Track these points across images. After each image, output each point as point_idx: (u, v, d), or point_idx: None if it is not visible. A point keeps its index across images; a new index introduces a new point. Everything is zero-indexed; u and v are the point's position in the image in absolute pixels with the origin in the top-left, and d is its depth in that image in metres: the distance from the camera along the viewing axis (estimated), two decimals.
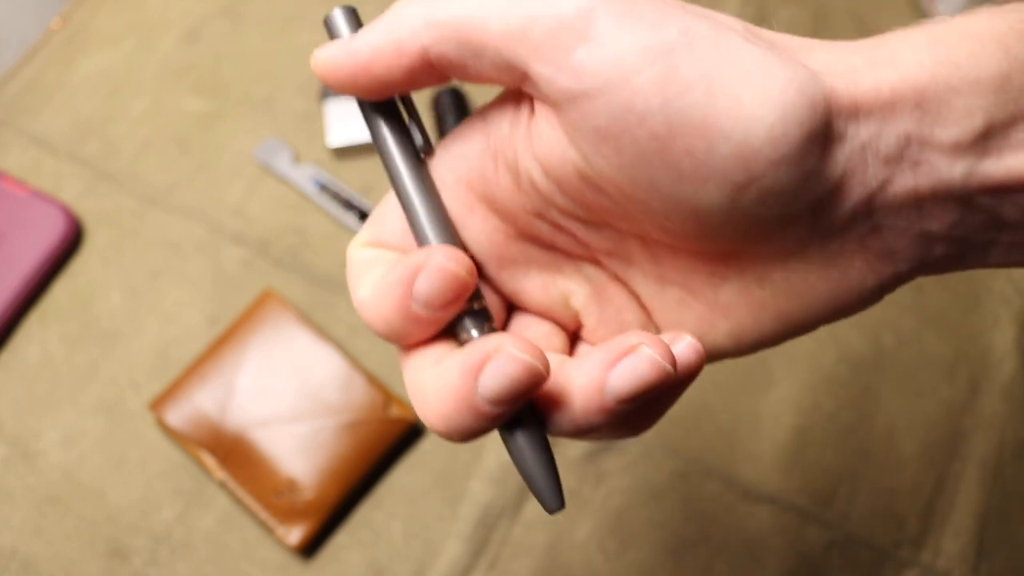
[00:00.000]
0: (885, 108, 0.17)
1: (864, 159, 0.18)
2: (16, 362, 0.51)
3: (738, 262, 0.20)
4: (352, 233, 0.54)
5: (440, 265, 0.19)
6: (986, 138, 0.17)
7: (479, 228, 0.22)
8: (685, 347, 0.20)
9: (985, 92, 0.17)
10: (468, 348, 0.19)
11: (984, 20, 0.18)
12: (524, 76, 0.19)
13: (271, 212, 0.55)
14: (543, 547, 0.46)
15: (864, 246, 0.19)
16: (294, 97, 0.59)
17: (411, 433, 0.49)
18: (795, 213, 0.18)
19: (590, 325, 0.23)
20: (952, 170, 0.17)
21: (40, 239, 0.52)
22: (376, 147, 0.22)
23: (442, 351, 0.21)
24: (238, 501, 0.46)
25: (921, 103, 0.17)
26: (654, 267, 0.22)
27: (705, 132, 0.17)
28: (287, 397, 0.48)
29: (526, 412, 0.20)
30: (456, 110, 0.56)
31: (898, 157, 0.17)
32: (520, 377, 0.18)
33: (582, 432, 0.20)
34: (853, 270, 0.19)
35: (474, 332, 0.21)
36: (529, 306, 0.24)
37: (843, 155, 0.17)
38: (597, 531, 0.47)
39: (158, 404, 0.48)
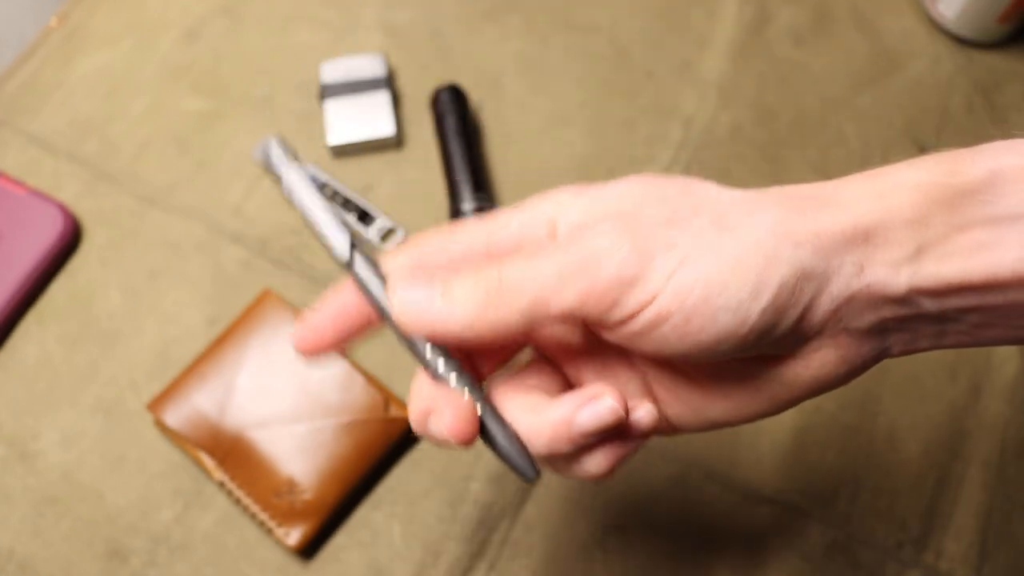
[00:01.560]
0: (844, 244, 0.24)
1: (829, 281, 0.24)
2: (14, 362, 0.51)
3: (737, 367, 0.26)
4: (352, 232, 0.54)
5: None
6: (919, 254, 0.23)
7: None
8: (644, 412, 0.26)
9: (912, 227, 0.23)
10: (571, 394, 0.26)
11: (915, 173, 0.24)
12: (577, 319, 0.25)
13: (270, 212, 0.55)
14: (543, 548, 0.46)
15: (836, 342, 0.25)
16: (294, 97, 0.59)
17: (411, 433, 0.48)
18: (783, 333, 0.24)
19: (588, 379, 0.29)
20: (898, 278, 0.23)
21: (38, 238, 0.52)
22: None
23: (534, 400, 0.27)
24: (237, 502, 0.46)
25: (868, 238, 0.24)
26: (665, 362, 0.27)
27: (710, 311, 0.23)
28: (286, 397, 0.47)
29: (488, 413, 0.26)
30: (456, 108, 0.56)
31: (856, 274, 0.24)
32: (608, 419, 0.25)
33: (554, 457, 0.26)
34: (828, 362, 0.25)
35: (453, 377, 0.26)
36: (545, 348, 0.30)
37: (812, 283, 0.23)
38: (597, 533, 0.47)
39: (157, 404, 0.48)
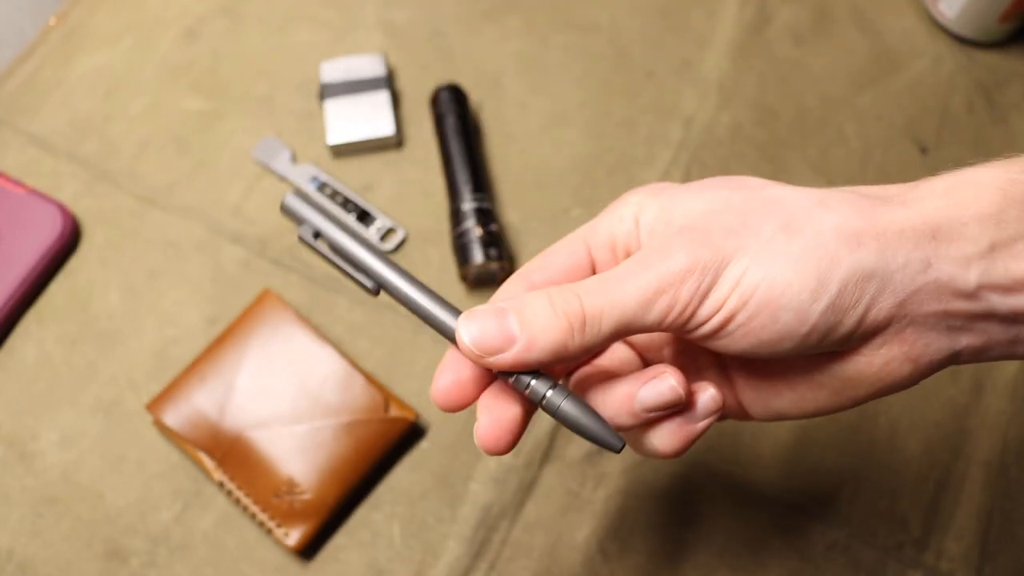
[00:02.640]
0: (909, 244, 0.23)
1: (890, 279, 0.24)
2: (13, 362, 0.51)
3: (804, 362, 0.27)
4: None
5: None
6: (992, 251, 0.23)
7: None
8: (708, 396, 0.27)
9: (987, 223, 0.23)
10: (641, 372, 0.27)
11: (990, 171, 0.24)
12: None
13: (270, 212, 0.55)
14: (543, 548, 0.46)
15: (902, 338, 0.25)
16: (293, 96, 0.59)
17: (411, 433, 0.48)
18: (845, 331, 0.24)
19: (667, 362, 0.30)
20: (967, 274, 0.23)
21: (38, 238, 0.52)
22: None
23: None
24: (237, 502, 0.46)
25: (936, 235, 0.23)
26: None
27: (772, 310, 0.24)
28: (286, 397, 0.47)
29: (558, 387, 0.26)
30: (456, 108, 0.56)
31: (922, 271, 0.23)
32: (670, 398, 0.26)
33: (624, 430, 0.27)
34: (894, 359, 0.25)
35: (548, 391, 0.26)
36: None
37: (874, 282, 0.24)
38: (597, 533, 0.46)
39: (156, 404, 0.47)
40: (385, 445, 0.47)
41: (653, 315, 0.25)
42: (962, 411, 0.49)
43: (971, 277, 0.23)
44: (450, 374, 0.27)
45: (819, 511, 0.47)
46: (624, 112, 0.59)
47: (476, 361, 0.25)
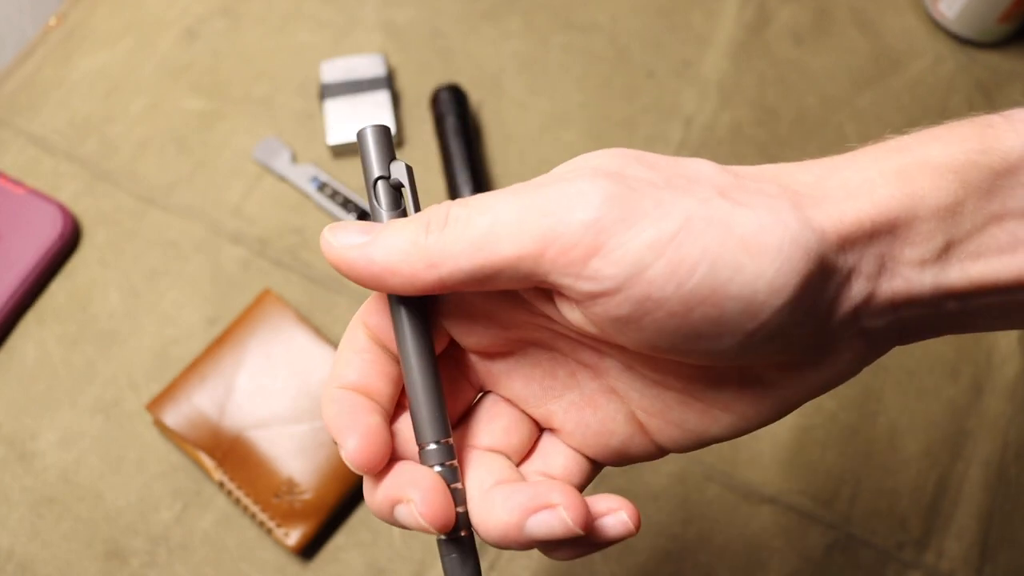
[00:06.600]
0: (866, 238, 0.20)
1: (850, 280, 0.20)
2: (13, 362, 0.51)
3: (740, 370, 0.22)
4: None
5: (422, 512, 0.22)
6: (947, 251, 0.21)
7: (480, 311, 0.24)
8: (615, 522, 0.22)
9: (943, 217, 0.20)
10: (528, 488, 0.22)
11: (943, 148, 0.21)
12: (542, 282, 0.20)
13: (270, 212, 0.55)
14: None
15: (851, 344, 0.22)
16: (293, 96, 0.59)
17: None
18: (797, 339, 0.21)
19: (567, 428, 0.25)
20: (922, 279, 0.21)
21: (38, 238, 0.52)
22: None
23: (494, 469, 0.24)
24: (237, 502, 0.46)
25: (893, 230, 0.20)
26: (657, 375, 0.23)
27: (716, 300, 0.19)
28: (286, 397, 0.47)
29: (467, 545, 0.23)
30: (456, 108, 0.56)
31: (877, 273, 0.21)
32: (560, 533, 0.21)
33: (502, 548, 0.23)
34: (841, 361, 0.22)
35: (437, 468, 0.23)
36: (508, 395, 0.26)
37: (834, 283, 0.20)
38: None
39: (156, 404, 0.47)
40: None
41: (526, 239, 0.19)
42: (962, 412, 0.49)
43: (925, 280, 0.21)
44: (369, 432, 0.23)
45: (819, 511, 0.47)
46: (624, 112, 0.59)
47: (332, 263, 0.22)
